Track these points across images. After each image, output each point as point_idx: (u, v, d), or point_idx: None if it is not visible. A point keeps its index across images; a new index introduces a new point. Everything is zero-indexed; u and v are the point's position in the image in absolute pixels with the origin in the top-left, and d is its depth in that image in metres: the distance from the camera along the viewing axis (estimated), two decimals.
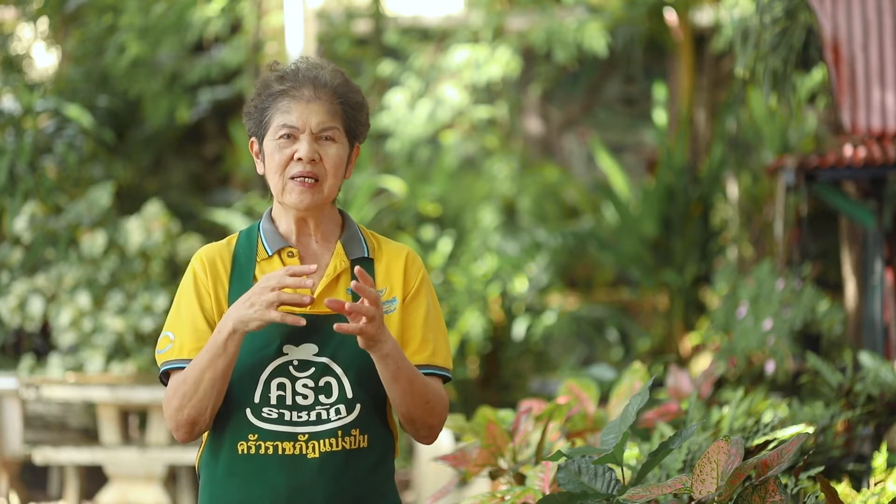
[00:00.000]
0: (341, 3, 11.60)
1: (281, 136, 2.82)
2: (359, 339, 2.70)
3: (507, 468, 3.99)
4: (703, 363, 9.60)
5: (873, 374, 4.85)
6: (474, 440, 4.17)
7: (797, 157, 6.91)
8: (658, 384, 6.09)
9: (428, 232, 10.25)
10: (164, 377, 2.84)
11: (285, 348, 2.79)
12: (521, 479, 3.95)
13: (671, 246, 10.26)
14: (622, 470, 2.99)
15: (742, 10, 9.69)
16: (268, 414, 2.78)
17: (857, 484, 4.41)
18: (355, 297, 2.79)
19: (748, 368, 6.66)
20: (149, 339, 8.16)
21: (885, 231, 6.80)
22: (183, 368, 2.78)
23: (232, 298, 2.82)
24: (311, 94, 2.82)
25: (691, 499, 2.92)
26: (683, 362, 9.88)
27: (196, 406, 2.75)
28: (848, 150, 6.53)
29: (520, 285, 10.27)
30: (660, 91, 10.85)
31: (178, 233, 8.65)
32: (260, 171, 2.89)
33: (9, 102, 9.02)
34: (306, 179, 2.80)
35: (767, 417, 4.45)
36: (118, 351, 8.12)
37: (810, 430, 4.05)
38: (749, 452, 3.34)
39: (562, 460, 3.06)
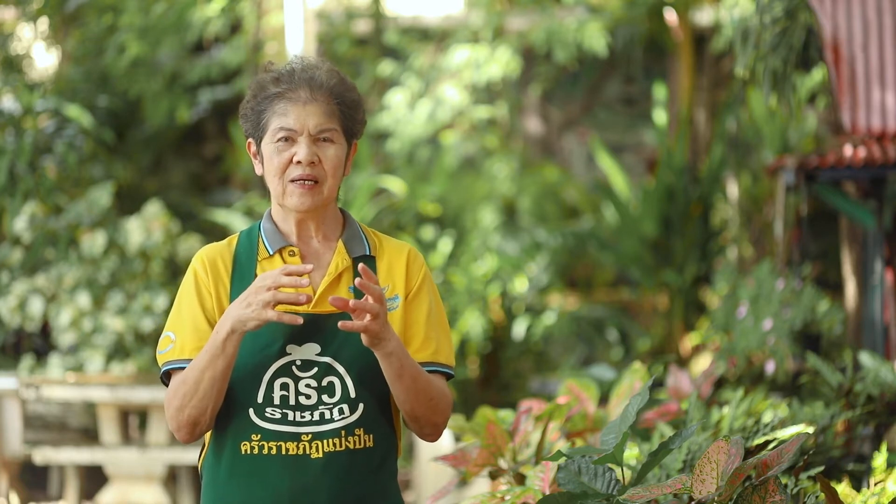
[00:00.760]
0: (341, 3, 11.60)
1: (279, 140, 2.81)
2: (363, 336, 2.70)
3: (507, 468, 3.99)
4: (703, 363, 9.60)
5: (873, 374, 4.85)
6: (474, 440, 4.17)
7: (797, 157, 6.91)
8: (658, 384, 6.09)
9: (428, 232, 10.25)
10: (166, 377, 2.84)
11: (288, 348, 2.79)
12: (521, 479, 3.95)
13: (671, 246, 10.27)
14: (622, 470, 2.99)
15: (742, 10, 9.69)
16: (271, 414, 2.78)
17: (857, 484, 4.41)
18: (359, 295, 2.79)
19: (748, 368, 6.66)
20: (149, 340, 8.16)
21: (885, 231, 6.80)
22: (184, 369, 2.78)
23: (233, 298, 2.82)
24: (308, 96, 2.81)
25: (691, 499, 2.92)
26: (683, 362, 9.88)
27: (197, 406, 2.75)
28: (848, 150, 6.53)
29: (520, 285, 10.27)
30: (660, 91, 10.85)
31: (178, 233, 8.65)
32: (258, 171, 2.89)
33: (9, 102, 9.02)
34: (306, 182, 2.80)
35: (767, 417, 4.45)
36: (118, 351, 8.12)
37: (810, 430, 4.05)
38: (749, 452, 3.34)
39: (562, 460, 3.06)
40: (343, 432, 2.78)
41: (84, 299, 8.05)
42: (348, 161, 2.89)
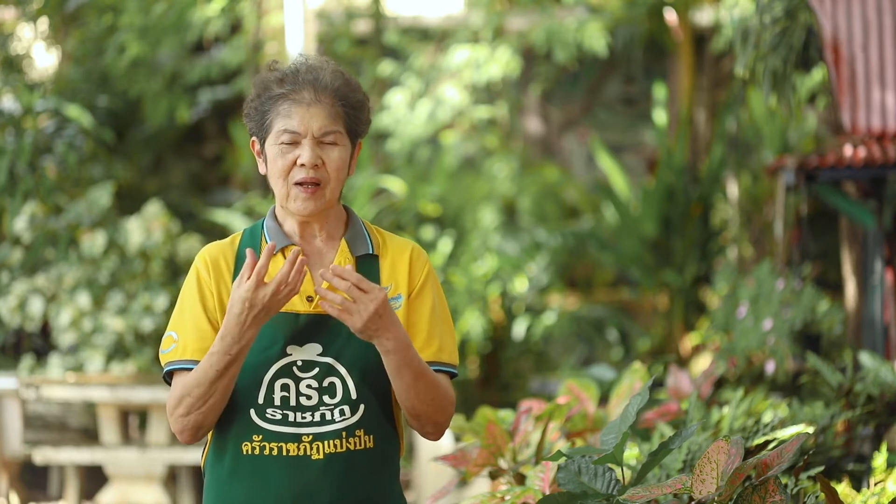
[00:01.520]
0: (341, 3, 11.60)
1: (283, 141, 2.80)
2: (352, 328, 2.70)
3: (507, 468, 3.99)
4: (703, 363, 9.60)
5: (873, 374, 4.85)
6: (474, 440, 4.17)
7: (797, 157, 6.91)
8: (658, 384, 6.09)
9: (428, 232, 10.25)
10: (168, 377, 2.84)
11: (289, 349, 2.79)
12: (521, 479, 3.95)
13: (671, 246, 10.27)
14: (622, 470, 2.99)
15: (742, 10, 9.69)
16: (272, 415, 2.78)
17: (857, 484, 4.41)
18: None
19: (748, 368, 6.66)
20: (149, 340, 8.15)
21: (885, 231, 6.80)
22: (186, 369, 2.78)
23: None
24: (312, 98, 2.80)
25: (691, 499, 2.92)
26: (683, 362, 9.88)
27: (203, 412, 2.76)
28: (848, 150, 6.53)
29: (520, 285, 10.27)
30: (660, 91, 10.85)
31: (178, 233, 8.64)
32: (262, 170, 2.88)
33: (9, 102, 9.02)
34: (309, 186, 2.79)
35: (767, 417, 4.45)
36: (118, 351, 8.12)
37: (810, 430, 4.05)
38: (749, 452, 3.34)
39: (562, 460, 3.06)
40: (344, 433, 2.78)
41: (84, 299, 8.05)
42: (352, 161, 2.87)
